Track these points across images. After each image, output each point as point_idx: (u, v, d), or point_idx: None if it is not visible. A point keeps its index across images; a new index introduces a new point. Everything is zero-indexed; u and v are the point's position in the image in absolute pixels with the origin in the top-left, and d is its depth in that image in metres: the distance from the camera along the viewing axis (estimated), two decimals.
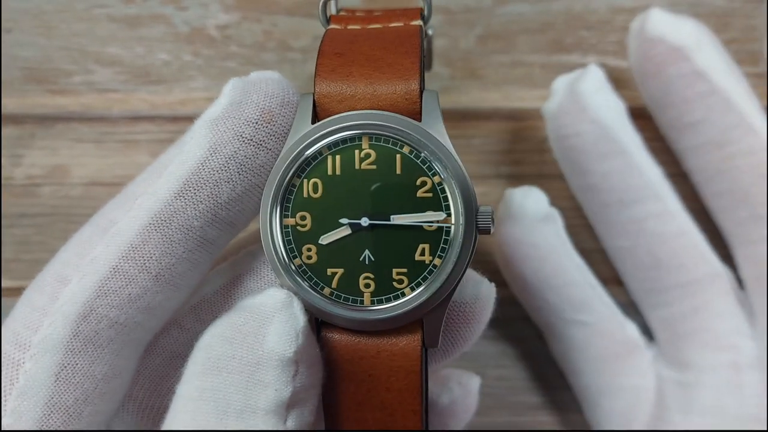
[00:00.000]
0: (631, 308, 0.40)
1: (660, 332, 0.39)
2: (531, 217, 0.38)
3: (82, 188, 0.42)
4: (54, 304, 0.27)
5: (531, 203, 0.38)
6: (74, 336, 0.26)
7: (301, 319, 0.26)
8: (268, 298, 0.26)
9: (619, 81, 0.40)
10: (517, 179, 0.42)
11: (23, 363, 0.26)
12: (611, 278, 0.40)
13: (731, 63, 0.37)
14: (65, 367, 0.26)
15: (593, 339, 0.39)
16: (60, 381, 0.26)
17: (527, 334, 0.43)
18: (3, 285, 0.42)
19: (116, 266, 0.27)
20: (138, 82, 0.41)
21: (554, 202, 0.41)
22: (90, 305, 0.27)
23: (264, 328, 0.26)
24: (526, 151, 0.42)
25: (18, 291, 0.42)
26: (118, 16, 0.41)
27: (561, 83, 0.39)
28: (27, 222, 0.42)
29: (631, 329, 0.39)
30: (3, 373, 0.26)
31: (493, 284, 0.30)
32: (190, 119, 0.41)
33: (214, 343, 0.26)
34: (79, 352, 0.26)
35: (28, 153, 0.41)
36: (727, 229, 0.38)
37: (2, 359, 0.26)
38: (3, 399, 0.26)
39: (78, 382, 0.26)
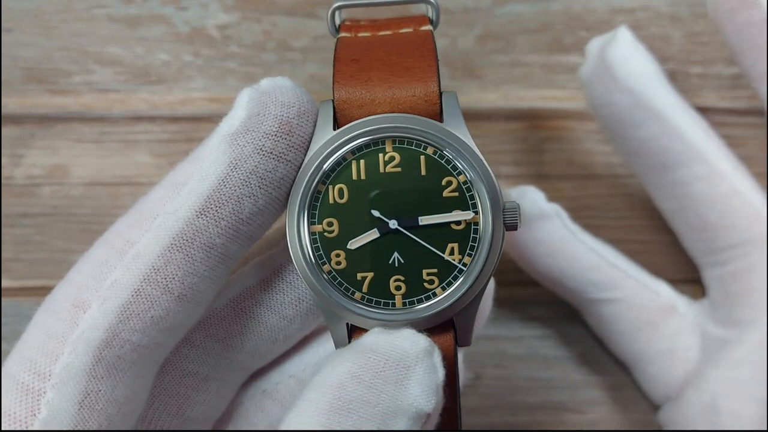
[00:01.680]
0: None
1: (713, 291, 0.39)
2: (530, 217, 0.38)
3: (82, 188, 0.42)
4: (74, 330, 0.26)
5: (528, 204, 0.38)
6: (97, 362, 0.26)
7: (440, 372, 0.26)
8: (410, 345, 0.26)
9: None
10: (517, 179, 0.42)
11: (44, 393, 0.25)
12: None
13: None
14: (89, 394, 0.26)
15: (623, 313, 0.39)
16: (84, 408, 0.26)
17: (526, 334, 0.43)
18: (3, 285, 0.42)
19: (138, 289, 0.26)
20: (138, 82, 0.41)
21: (554, 202, 0.41)
22: (113, 330, 0.26)
23: (406, 377, 0.25)
24: (526, 151, 0.42)
25: (18, 291, 0.42)
26: (118, 16, 0.41)
27: (594, 46, 0.38)
28: (27, 222, 0.42)
29: (666, 293, 0.39)
30: (23, 403, 0.25)
31: (491, 278, 0.30)
32: (190, 119, 0.42)
33: (349, 384, 0.25)
34: (102, 378, 0.26)
35: (28, 153, 0.42)
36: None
37: (21, 389, 0.26)
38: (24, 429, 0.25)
39: (101, 408, 0.26)
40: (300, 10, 0.41)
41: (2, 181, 0.42)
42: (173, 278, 0.26)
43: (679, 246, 0.40)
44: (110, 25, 0.41)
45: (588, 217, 0.41)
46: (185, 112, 0.42)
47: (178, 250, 0.26)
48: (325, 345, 0.32)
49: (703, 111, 0.41)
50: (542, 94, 0.41)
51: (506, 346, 0.43)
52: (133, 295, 0.26)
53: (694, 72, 0.42)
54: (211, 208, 0.27)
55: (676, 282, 0.40)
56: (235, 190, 0.27)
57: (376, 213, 0.27)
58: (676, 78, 0.41)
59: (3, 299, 0.42)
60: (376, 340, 0.26)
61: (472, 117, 0.42)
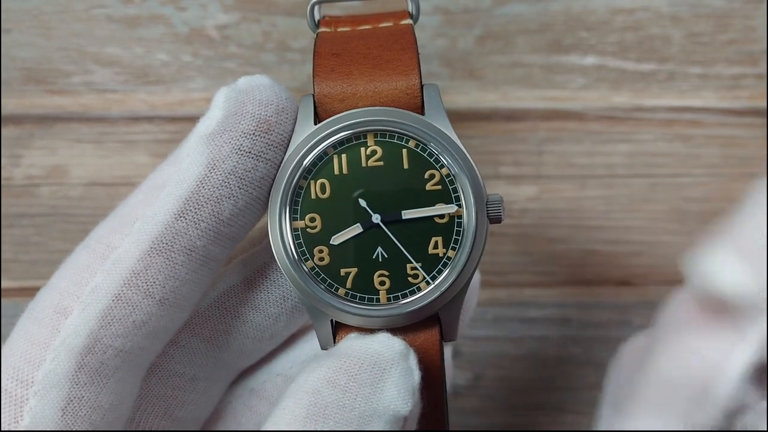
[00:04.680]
0: (636, 308, 0.40)
1: None
2: None
3: (81, 188, 0.42)
4: (56, 337, 0.26)
5: None
6: (79, 369, 0.26)
7: (416, 375, 0.26)
8: (385, 348, 0.26)
9: (618, 81, 0.40)
10: (516, 180, 0.42)
11: (27, 400, 0.25)
12: (616, 279, 0.40)
13: None
14: (72, 401, 0.25)
15: None
16: (67, 415, 0.25)
17: (526, 335, 0.43)
18: (2, 285, 0.42)
19: (119, 294, 0.26)
20: (137, 82, 0.41)
21: (552, 202, 0.41)
22: (94, 336, 0.26)
23: (382, 380, 0.25)
24: (525, 152, 0.42)
25: (17, 291, 0.42)
26: (117, 16, 0.41)
27: None
28: (26, 222, 0.42)
29: None
30: (6, 410, 0.25)
31: (477, 271, 0.30)
32: (189, 120, 0.42)
33: (324, 390, 0.25)
34: (85, 384, 0.26)
35: (27, 153, 0.41)
36: None
37: (4, 396, 0.25)
38: None
39: (85, 415, 0.26)
40: (299, 11, 0.41)
41: (1, 182, 0.41)
42: (154, 282, 0.26)
43: (679, 247, 0.40)
44: (109, 26, 0.41)
45: (588, 218, 0.41)
46: (184, 113, 0.42)
47: (157, 253, 0.26)
48: (312, 342, 0.32)
49: (703, 111, 0.41)
50: (542, 95, 0.41)
51: (506, 347, 0.43)
52: (113, 300, 0.26)
53: (694, 72, 0.42)
54: (190, 210, 0.26)
55: (676, 283, 0.40)
56: (213, 192, 0.26)
57: (363, 203, 0.27)
58: (675, 78, 0.41)
59: (2, 300, 0.42)
60: (351, 344, 0.26)
61: (472, 117, 0.42)
